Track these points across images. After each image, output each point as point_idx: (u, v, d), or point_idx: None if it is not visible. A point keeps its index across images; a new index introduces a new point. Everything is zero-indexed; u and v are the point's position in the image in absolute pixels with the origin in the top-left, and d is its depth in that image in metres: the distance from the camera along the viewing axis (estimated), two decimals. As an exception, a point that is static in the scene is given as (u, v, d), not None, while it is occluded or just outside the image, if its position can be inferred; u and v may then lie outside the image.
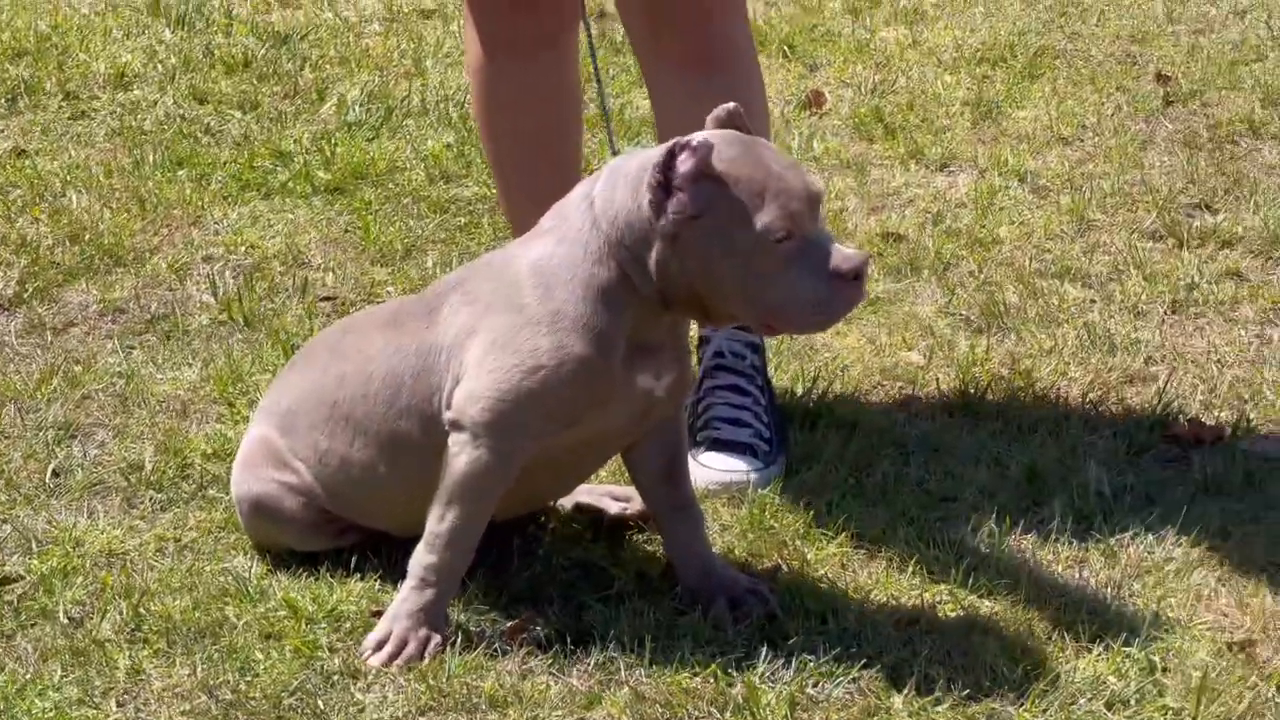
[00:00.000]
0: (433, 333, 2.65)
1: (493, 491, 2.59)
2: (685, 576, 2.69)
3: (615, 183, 2.56)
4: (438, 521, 2.60)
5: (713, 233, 2.50)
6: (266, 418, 2.81)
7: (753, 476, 2.97)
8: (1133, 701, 2.51)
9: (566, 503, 2.89)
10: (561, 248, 2.56)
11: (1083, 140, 4.29)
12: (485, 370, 2.57)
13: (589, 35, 2.82)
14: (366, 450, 2.69)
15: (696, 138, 2.50)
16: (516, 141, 3.17)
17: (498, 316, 2.59)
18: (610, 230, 2.54)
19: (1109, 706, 2.49)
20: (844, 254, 2.51)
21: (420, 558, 2.61)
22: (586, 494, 2.88)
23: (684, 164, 2.48)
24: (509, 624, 2.66)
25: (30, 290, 3.60)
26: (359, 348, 2.72)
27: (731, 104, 2.56)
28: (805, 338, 3.34)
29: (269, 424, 2.80)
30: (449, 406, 2.60)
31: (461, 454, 2.58)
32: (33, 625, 2.66)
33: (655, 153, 2.52)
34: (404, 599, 2.61)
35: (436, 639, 2.59)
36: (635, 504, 2.86)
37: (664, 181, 2.49)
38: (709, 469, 2.99)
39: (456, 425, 2.59)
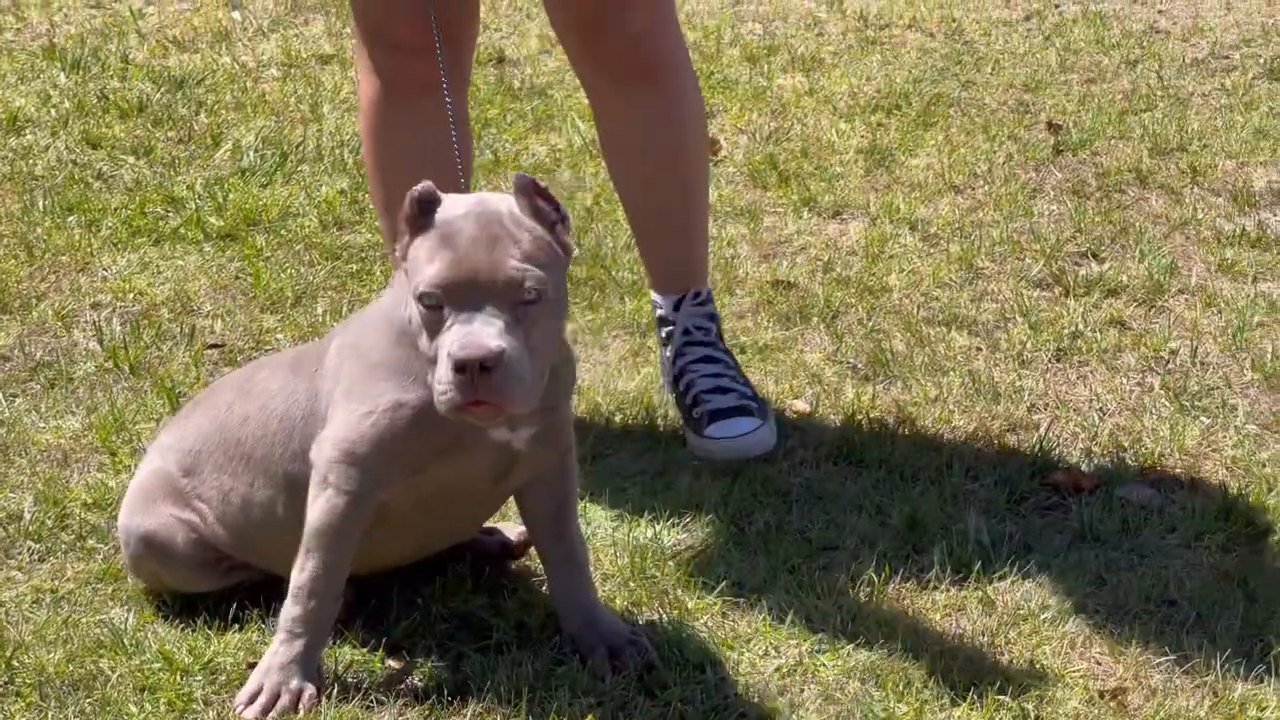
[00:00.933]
0: (319, 377, 2.66)
1: (347, 537, 2.58)
2: (567, 623, 2.69)
3: None
4: (299, 571, 2.60)
5: (409, 269, 2.52)
6: (166, 454, 2.80)
7: (760, 433, 3.16)
8: (1006, 749, 2.53)
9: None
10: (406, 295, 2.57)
11: (974, 188, 4.34)
12: (337, 416, 2.59)
13: (446, 96, 2.84)
14: (265, 490, 2.69)
15: (425, 185, 2.52)
16: (402, 181, 3.18)
17: (351, 363, 2.62)
18: None
19: (981, 755, 2.51)
20: (463, 339, 2.39)
21: (287, 610, 2.60)
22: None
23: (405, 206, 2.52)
24: (386, 674, 2.65)
25: (-88, 338, 3.57)
26: (264, 388, 2.73)
27: (523, 175, 2.54)
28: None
29: (169, 460, 2.79)
30: None
31: (316, 500, 2.59)
32: (-98, 679, 2.63)
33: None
34: (274, 652, 2.60)
35: (310, 690, 2.58)
36: (510, 534, 2.88)
37: (405, 220, 2.53)
38: (718, 439, 3.17)
39: (314, 470, 2.59)
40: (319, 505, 2.59)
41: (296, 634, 2.60)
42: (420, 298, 2.47)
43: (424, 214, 2.51)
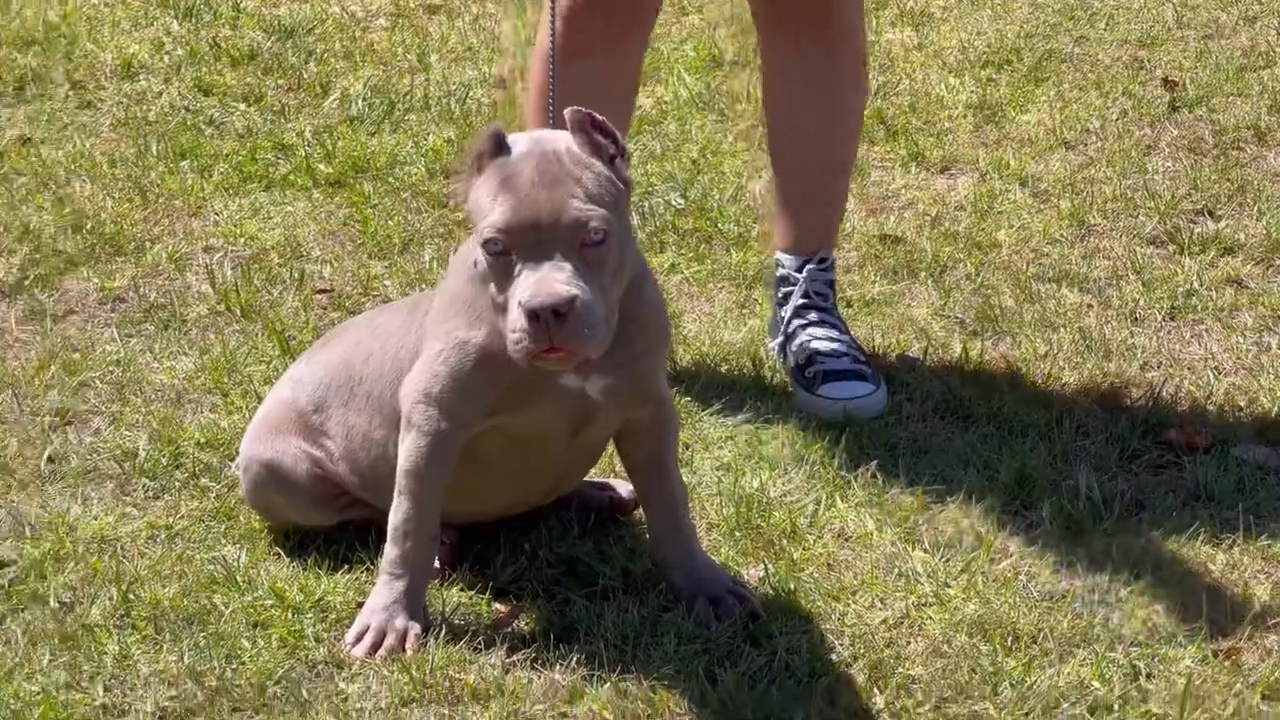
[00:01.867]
0: (425, 319, 2.68)
1: (432, 478, 2.60)
2: (668, 573, 2.70)
3: None
4: (394, 513, 2.63)
5: (471, 214, 2.51)
6: (297, 386, 2.82)
7: (875, 397, 3.18)
8: (1116, 707, 2.51)
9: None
10: None
11: (1086, 145, 4.29)
12: (420, 357, 2.61)
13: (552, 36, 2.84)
14: (381, 429, 2.71)
15: (498, 125, 2.51)
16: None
17: (436, 302, 2.64)
18: None
19: (1091, 711, 2.50)
20: (534, 287, 2.37)
21: (386, 552, 2.63)
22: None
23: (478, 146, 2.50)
24: (493, 617, 2.67)
25: (31, 278, 3.62)
26: (385, 328, 2.76)
27: (579, 110, 2.49)
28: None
29: (299, 393, 2.81)
30: None
31: (403, 441, 2.62)
32: (23, 610, 2.67)
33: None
34: (378, 593, 2.63)
35: (415, 629, 2.60)
36: (622, 491, 2.88)
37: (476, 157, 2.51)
38: (833, 399, 3.17)
39: (402, 413, 2.62)
40: (405, 446, 2.62)
41: (397, 575, 2.63)
42: (485, 243, 2.45)
43: (497, 153, 2.49)
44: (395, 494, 2.63)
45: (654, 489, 2.70)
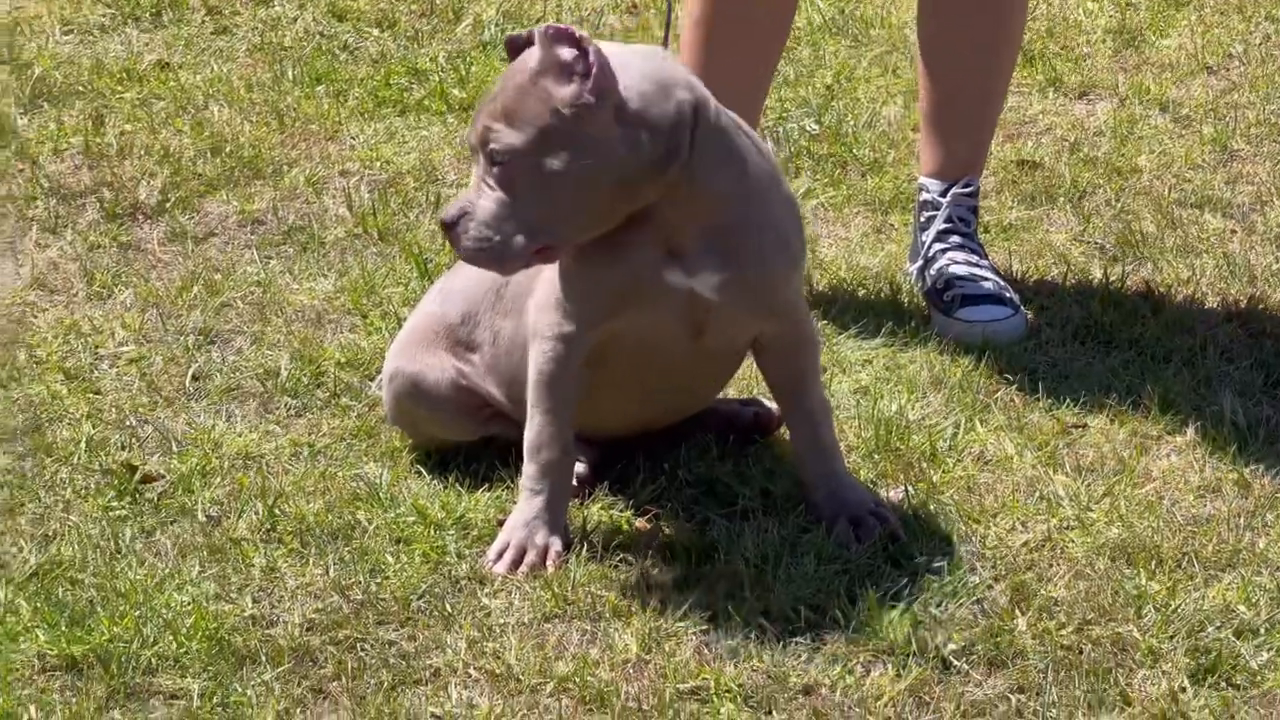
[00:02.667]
0: None
1: (560, 385, 2.61)
2: (810, 492, 2.70)
3: None
4: (528, 429, 2.65)
5: None
6: (447, 298, 2.84)
7: (1014, 320, 3.15)
8: (1262, 630, 2.49)
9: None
10: None
11: (1228, 69, 4.21)
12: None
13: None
14: (524, 334, 2.71)
15: (511, 34, 2.57)
16: (725, 51, 3.20)
17: None
18: None
19: (1238, 635, 2.47)
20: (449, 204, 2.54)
21: (524, 469, 2.65)
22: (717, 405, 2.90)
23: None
24: (633, 536, 2.69)
25: (173, 200, 3.67)
26: None
27: (551, 25, 2.50)
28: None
29: (449, 304, 2.83)
30: None
31: (531, 352, 2.63)
32: (172, 523, 2.73)
33: None
34: (518, 510, 2.65)
35: (556, 545, 2.62)
36: (765, 409, 2.88)
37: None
38: (971, 322, 3.15)
39: (529, 325, 2.66)
40: (532, 357, 2.63)
41: (535, 490, 2.64)
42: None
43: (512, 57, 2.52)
44: (528, 409, 2.65)
45: (795, 407, 2.70)
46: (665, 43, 2.61)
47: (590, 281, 2.59)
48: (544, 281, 2.64)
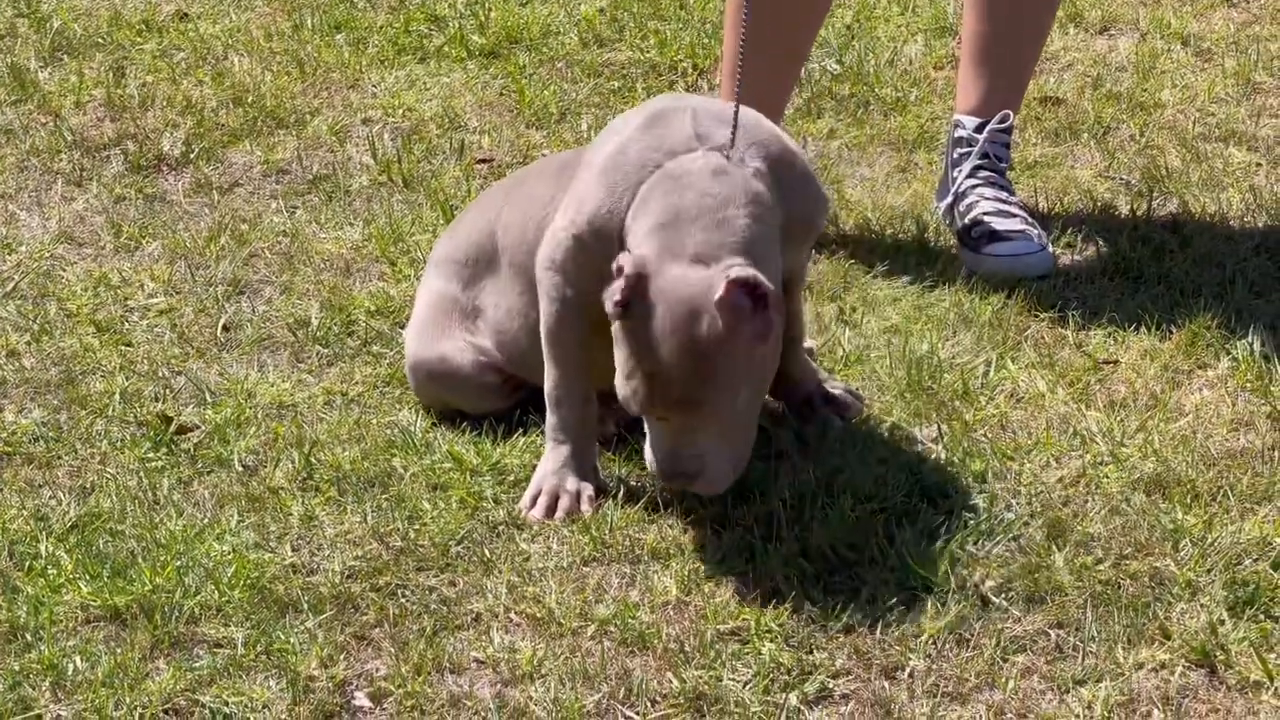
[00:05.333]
0: (571, 184, 2.69)
1: (567, 341, 2.63)
2: (789, 398, 2.78)
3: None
4: (546, 382, 2.67)
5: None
6: (442, 268, 2.86)
7: (1042, 255, 3.17)
8: (1298, 563, 2.50)
9: None
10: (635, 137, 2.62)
11: (1248, 2, 4.19)
12: (555, 223, 2.66)
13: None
14: (525, 297, 2.74)
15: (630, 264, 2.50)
16: (766, 9, 3.21)
17: (580, 174, 2.66)
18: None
19: (1275, 567, 2.48)
20: (664, 464, 2.51)
21: (548, 420, 2.68)
22: None
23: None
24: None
25: (196, 151, 3.67)
26: (530, 193, 2.76)
27: (735, 285, 2.45)
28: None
29: (447, 274, 2.84)
30: None
31: (541, 309, 2.66)
32: (209, 472, 2.74)
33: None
34: (546, 458, 2.67)
35: (588, 489, 2.63)
36: None
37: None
38: (999, 256, 3.17)
39: (537, 280, 2.68)
40: (541, 315, 2.66)
41: (560, 440, 2.66)
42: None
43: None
44: (545, 364, 2.67)
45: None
46: (731, 145, 2.62)
47: (600, 255, 2.59)
48: (547, 240, 2.65)
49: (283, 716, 2.28)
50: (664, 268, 2.48)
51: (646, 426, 2.55)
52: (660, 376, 2.48)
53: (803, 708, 2.29)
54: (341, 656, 2.38)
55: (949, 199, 3.31)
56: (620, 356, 2.52)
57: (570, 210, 2.64)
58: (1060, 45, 4.03)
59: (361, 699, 2.33)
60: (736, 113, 2.62)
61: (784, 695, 2.30)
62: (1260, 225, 3.31)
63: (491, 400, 2.83)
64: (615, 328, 2.52)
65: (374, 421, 2.84)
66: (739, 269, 2.46)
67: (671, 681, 2.32)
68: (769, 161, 2.59)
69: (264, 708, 2.30)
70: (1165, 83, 3.84)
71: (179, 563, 2.51)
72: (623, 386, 2.52)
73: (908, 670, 2.34)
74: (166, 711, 2.30)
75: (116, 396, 2.90)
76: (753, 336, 2.49)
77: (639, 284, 2.48)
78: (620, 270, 2.49)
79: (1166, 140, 3.62)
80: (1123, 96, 3.78)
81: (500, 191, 2.89)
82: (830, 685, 2.32)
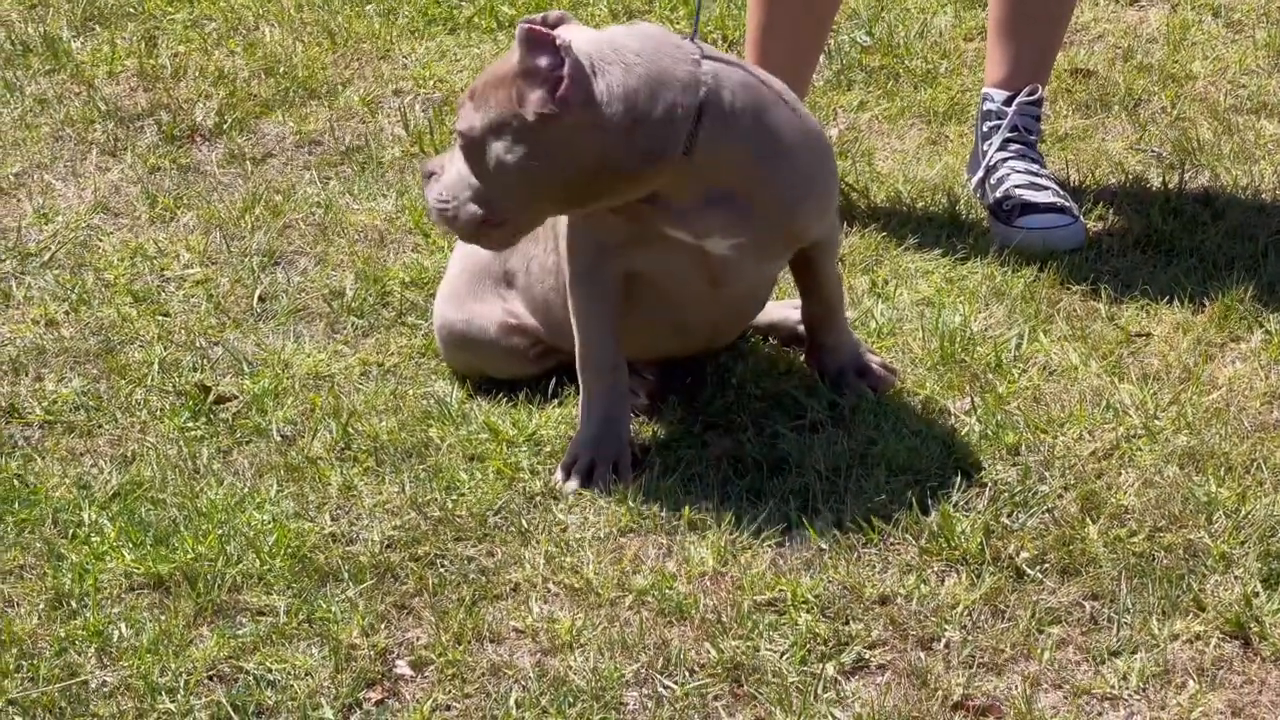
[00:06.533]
0: None
1: (592, 314, 2.65)
2: (819, 353, 2.80)
3: None
4: (577, 353, 2.69)
5: None
6: None
7: (1073, 228, 3.18)
8: (1330, 536, 2.51)
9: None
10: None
11: (1279, -26, 4.18)
12: None
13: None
14: (554, 256, 2.76)
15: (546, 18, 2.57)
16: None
17: None
18: None
19: (1307, 540, 2.50)
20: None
21: (581, 390, 2.69)
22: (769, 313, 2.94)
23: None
24: (704, 449, 2.71)
25: (230, 121, 3.68)
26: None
27: (526, 25, 2.51)
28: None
29: None
30: None
31: (566, 276, 2.68)
32: (248, 442, 2.76)
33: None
34: (580, 429, 2.69)
35: (625, 457, 2.65)
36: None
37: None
38: (1031, 229, 3.18)
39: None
40: (567, 282, 2.68)
41: (593, 411, 2.68)
42: None
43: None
44: (574, 332, 2.69)
45: (809, 281, 2.76)
46: (693, 36, 2.60)
47: (602, 226, 2.62)
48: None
49: (325, 684, 2.31)
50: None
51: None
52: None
53: (839, 678, 2.31)
54: (382, 625, 2.40)
55: (980, 173, 3.32)
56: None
57: None
58: (1091, 16, 4.02)
59: (403, 667, 2.35)
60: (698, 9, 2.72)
61: (820, 665, 2.32)
62: (1292, 198, 3.32)
63: (519, 364, 2.84)
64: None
65: (410, 392, 2.86)
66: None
67: (709, 651, 2.35)
68: (741, 91, 2.58)
69: (306, 675, 2.32)
70: (1196, 54, 3.84)
71: (220, 531, 2.54)
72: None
73: (943, 641, 2.36)
74: (211, 678, 2.33)
75: (155, 366, 2.93)
76: (541, 95, 2.48)
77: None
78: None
79: (1198, 112, 3.62)
80: (1154, 68, 3.79)
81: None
82: (866, 656, 2.34)
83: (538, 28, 2.50)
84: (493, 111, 2.53)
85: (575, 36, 2.52)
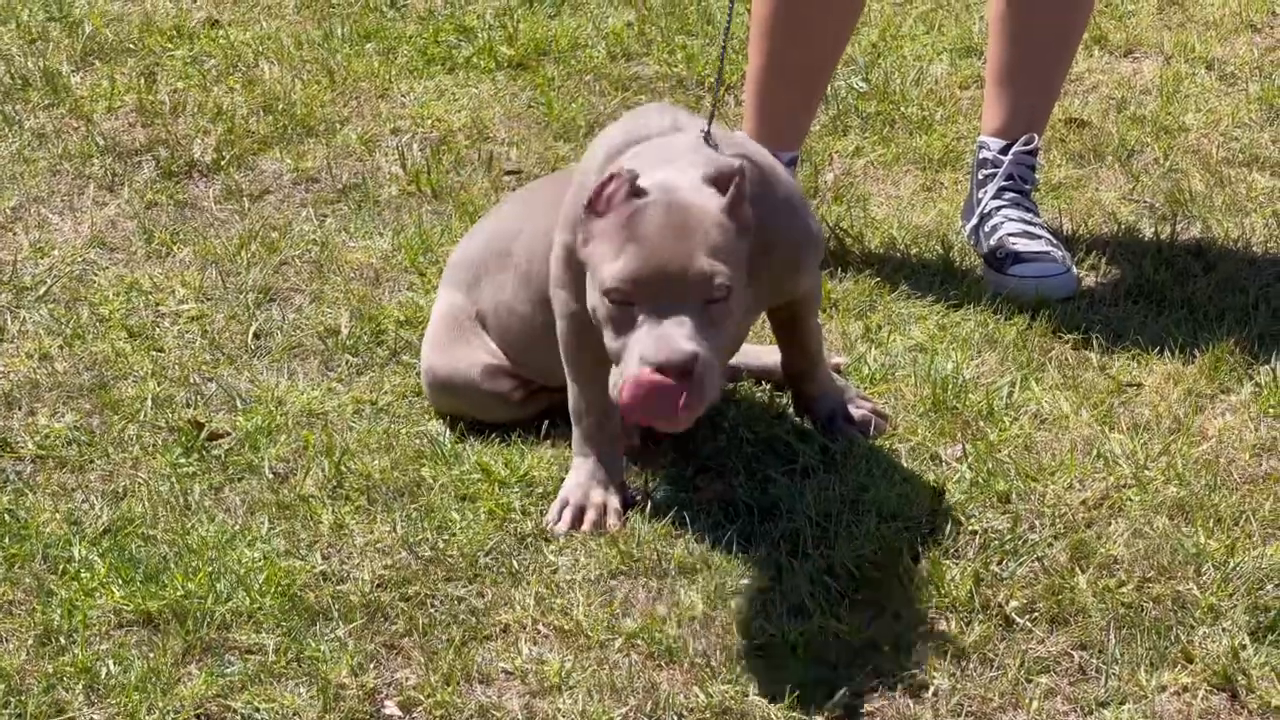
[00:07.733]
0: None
1: (582, 358, 2.65)
2: (809, 402, 2.82)
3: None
4: (569, 397, 2.70)
5: (590, 259, 2.49)
6: (453, 272, 2.92)
7: (1065, 277, 3.19)
8: (1319, 589, 2.52)
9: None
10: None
11: (1273, 27, 4.21)
12: (554, 246, 2.68)
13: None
14: (526, 305, 2.78)
15: (634, 170, 2.46)
16: (792, 30, 3.24)
17: (570, 192, 2.67)
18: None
19: (1295, 593, 2.50)
20: (657, 343, 2.34)
21: (573, 432, 2.71)
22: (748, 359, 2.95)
23: (608, 186, 2.46)
24: (695, 494, 2.72)
25: (227, 158, 3.69)
26: (541, 199, 2.80)
27: (734, 162, 2.47)
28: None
29: (455, 279, 2.90)
30: None
31: (557, 325, 2.69)
32: (240, 479, 2.76)
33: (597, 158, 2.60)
34: (572, 473, 2.70)
35: (615, 501, 2.66)
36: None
37: (596, 193, 2.47)
38: (1023, 278, 3.19)
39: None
40: (558, 332, 2.69)
41: (585, 453, 2.69)
42: (608, 292, 2.43)
43: (630, 196, 2.45)
44: (566, 378, 2.70)
45: (791, 334, 2.78)
46: (711, 118, 2.61)
47: (579, 266, 2.61)
48: (555, 260, 2.67)
49: (313, 723, 2.31)
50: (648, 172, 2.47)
51: (633, 334, 2.41)
52: (668, 273, 2.39)
53: (828, 724, 2.31)
54: (371, 665, 2.40)
55: (974, 220, 3.34)
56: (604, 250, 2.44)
57: (562, 220, 2.66)
58: (1085, 68, 4.05)
59: (391, 708, 2.35)
60: (716, 89, 2.67)
61: (809, 711, 2.32)
62: (1283, 251, 3.34)
63: (505, 408, 2.85)
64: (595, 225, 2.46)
65: (403, 431, 2.87)
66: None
67: (698, 695, 2.35)
68: (750, 168, 2.58)
69: (295, 714, 2.32)
70: (1189, 106, 3.86)
71: (210, 569, 2.54)
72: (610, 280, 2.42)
73: (932, 689, 2.36)
74: (198, 716, 2.33)
75: (148, 402, 2.93)
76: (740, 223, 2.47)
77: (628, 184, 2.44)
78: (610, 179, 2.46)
79: (1190, 164, 3.64)
80: (1147, 120, 3.81)
81: (516, 198, 2.95)
82: (855, 702, 2.34)
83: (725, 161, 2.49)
84: (733, 254, 2.44)
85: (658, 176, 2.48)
